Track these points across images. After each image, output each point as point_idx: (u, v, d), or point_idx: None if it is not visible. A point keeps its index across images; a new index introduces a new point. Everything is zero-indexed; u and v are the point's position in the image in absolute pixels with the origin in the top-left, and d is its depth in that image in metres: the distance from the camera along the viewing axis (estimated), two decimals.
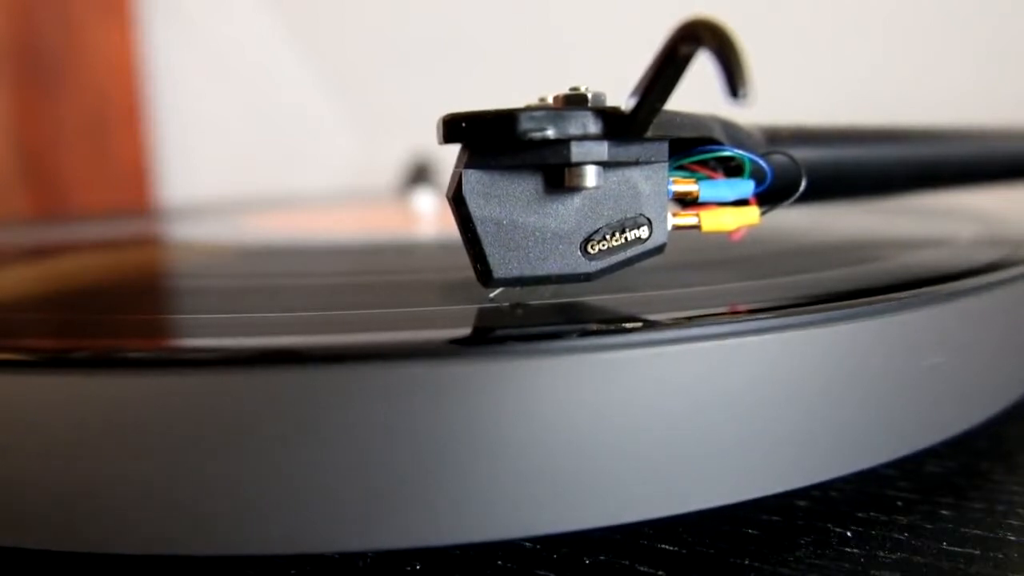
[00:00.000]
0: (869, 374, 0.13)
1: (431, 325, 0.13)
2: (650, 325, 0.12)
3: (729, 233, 0.14)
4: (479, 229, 0.13)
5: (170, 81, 0.57)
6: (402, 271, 0.21)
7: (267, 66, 0.55)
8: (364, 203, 0.41)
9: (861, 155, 0.18)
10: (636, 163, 0.13)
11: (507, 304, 0.14)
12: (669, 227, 0.14)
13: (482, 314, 0.13)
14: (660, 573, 0.12)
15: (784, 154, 0.15)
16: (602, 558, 0.12)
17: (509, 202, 0.13)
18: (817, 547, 0.13)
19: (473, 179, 0.13)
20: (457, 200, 0.13)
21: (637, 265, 0.14)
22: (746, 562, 0.12)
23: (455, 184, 0.13)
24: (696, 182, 0.14)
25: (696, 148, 0.14)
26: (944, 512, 0.14)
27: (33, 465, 0.11)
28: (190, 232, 0.34)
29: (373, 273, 0.21)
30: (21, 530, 0.12)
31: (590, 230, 0.13)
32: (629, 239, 0.13)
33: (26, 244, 0.31)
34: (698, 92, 0.14)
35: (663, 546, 0.13)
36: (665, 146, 0.13)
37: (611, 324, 0.13)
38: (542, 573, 0.12)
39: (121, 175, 0.55)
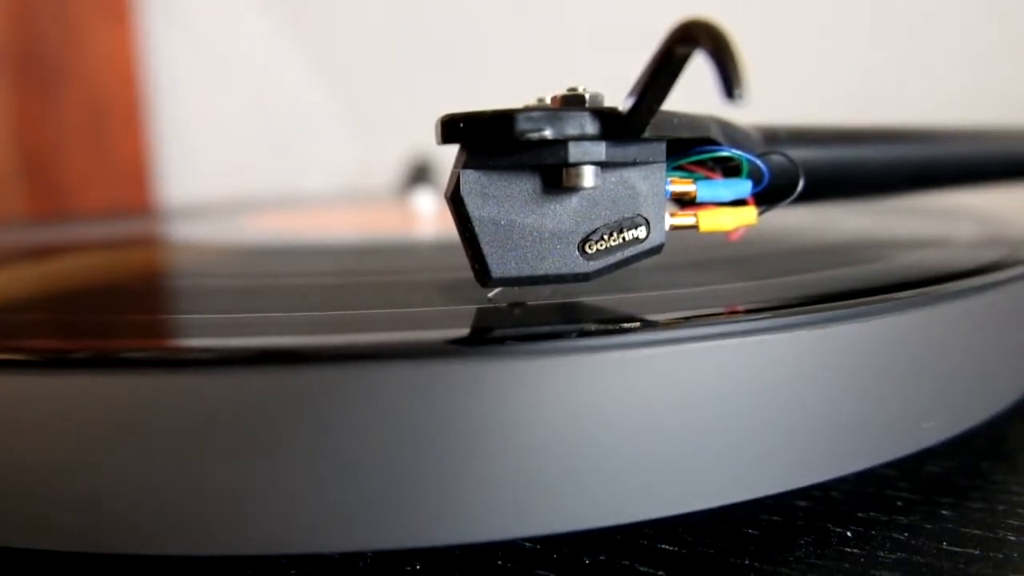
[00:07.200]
0: (869, 374, 0.13)
1: (430, 325, 0.13)
2: (648, 325, 0.12)
3: (727, 233, 0.14)
4: (477, 229, 0.13)
5: (170, 81, 0.57)
6: (402, 271, 0.21)
7: (267, 66, 0.55)
8: (364, 203, 0.41)
9: (859, 155, 0.18)
10: (634, 163, 0.13)
11: (505, 304, 0.14)
12: (667, 227, 0.14)
13: (480, 314, 0.13)
14: (660, 573, 0.12)
15: (782, 154, 0.15)
16: (602, 558, 0.12)
17: (507, 202, 0.13)
18: (817, 547, 0.13)
19: (471, 179, 0.13)
20: (455, 200, 0.13)
21: (635, 265, 0.14)
22: (746, 562, 0.12)
23: (453, 184, 0.13)
24: (694, 182, 0.14)
25: (694, 148, 0.14)
26: (944, 512, 0.14)
27: (33, 465, 0.11)
28: (190, 232, 0.34)
29: (373, 273, 0.21)
30: (21, 530, 0.12)
31: (588, 230, 0.13)
32: (627, 239, 0.13)
33: (26, 244, 0.31)
34: (696, 92, 0.14)
35: (663, 546, 0.13)
36: (663, 146, 0.13)
37: (609, 324, 0.13)
38: (542, 573, 0.12)
39: (121, 175, 0.55)
